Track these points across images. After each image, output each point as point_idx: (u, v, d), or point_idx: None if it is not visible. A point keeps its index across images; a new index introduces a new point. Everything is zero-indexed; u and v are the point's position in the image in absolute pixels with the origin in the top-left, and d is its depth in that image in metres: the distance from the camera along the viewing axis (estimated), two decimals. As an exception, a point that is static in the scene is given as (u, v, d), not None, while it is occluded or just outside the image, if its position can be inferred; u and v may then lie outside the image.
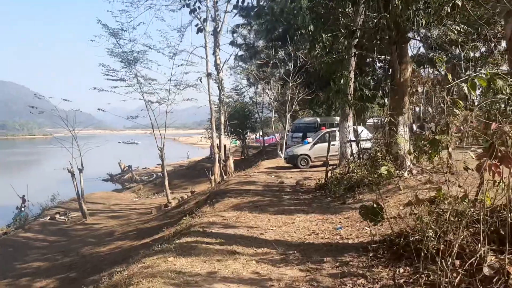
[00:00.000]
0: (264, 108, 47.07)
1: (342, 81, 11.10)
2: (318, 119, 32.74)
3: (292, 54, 26.41)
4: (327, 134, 20.00)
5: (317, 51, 10.73)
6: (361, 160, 11.54)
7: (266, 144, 48.30)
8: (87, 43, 21.33)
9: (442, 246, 4.52)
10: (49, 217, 19.79)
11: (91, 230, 17.07)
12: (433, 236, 4.69)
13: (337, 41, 10.86)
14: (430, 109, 12.13)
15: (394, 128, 11.16)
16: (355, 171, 11.00)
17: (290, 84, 26.52)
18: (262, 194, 11.80)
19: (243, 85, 46.23)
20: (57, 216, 19.81)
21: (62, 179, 24.89)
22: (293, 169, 19.06)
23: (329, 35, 10.18)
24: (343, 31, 10.42)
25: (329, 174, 12.90)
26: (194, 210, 12.18)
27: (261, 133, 52.62)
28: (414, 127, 15.81)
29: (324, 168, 18.46)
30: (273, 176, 16.58)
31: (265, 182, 14.95)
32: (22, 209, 23.96)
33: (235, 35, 41.32)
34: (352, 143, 17.22)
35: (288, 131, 32.24)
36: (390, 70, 11.40)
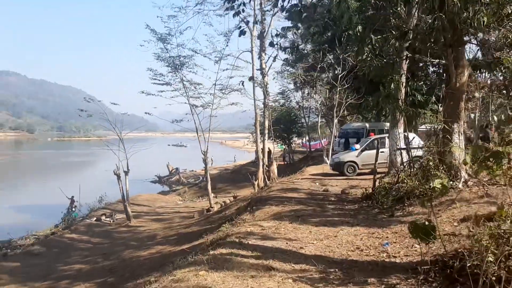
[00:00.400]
0: (311, 112, 46.46)
1: (392, 86, 10.41)
2: (367, 125, 31.69)
3: (341, 58, 25.71)
4: (376, 141, 19.23)
5: (366, 53, 10.10)
6: (412, 170, 10.80)
7: (312, 149, 47.55)
8: (136, 48, 21.82)
9: (504, 272, 3.97)
10: (95, 218, 20.15)
11: (134, 233, 17.17)
12: (493, 260, 4.11)
13: (387, 43, 10.19)
14: (495, 118, 11.15)
15: (448, 136, 10.38)
16: (405, 181, 10.30)
17: (338, 89, 25.81)
18: (305, 203, 11.32)
19: (289, 89, 45.78)
20: (103, 217, 20.15)
21: (111, 180, 25.42)
22: (339, 177, 18.41)
23: (378, 37, 9.54)
24: (394, 32, 9.77)
25: (377, 183, 12.21)
26: (234, 217, 11.87)
27: (307, 138, 51.86)
28: (472, 134, 14.77)
29: (372, 177, 17.76)
30: (317, 184, 16.04)
31: (308, 189, 14.45)
32: (73, 209, 24.58)
33: (277, 38, 40.94)
34: (402, 151, 16.40)
35: (335, 137, 31.41)
36: (445, 74, 10.62)
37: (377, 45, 9.90)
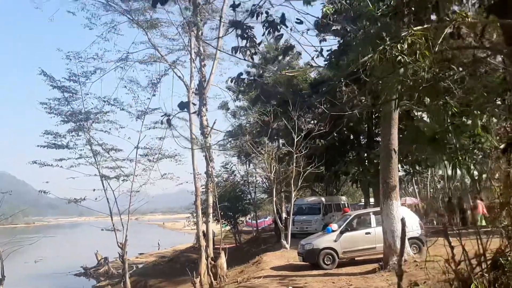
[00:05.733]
0: (257, 187, 42.42)
1: (476, 121, 5.53)
2: (323, 199, 27.90)
3: (296, 121, 21.76)
4: (356, 219, 14.57)
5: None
6: (487, 271, 5.90)
7: (258, 228, 43.12)
8: (37, 109, 15.91)
9: None
10: None
11: None
12: None
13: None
14: None
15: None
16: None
17: (295, 156, 21.33)
18: None
19: (233, 163, 41.50)
20: None
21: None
22: (314, 271, 13.21)
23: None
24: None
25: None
26: None
27: (250, 216, 47.72)
28: None
29: (364, 268, 12.89)
30: (291, 288, 10.73)
31: (283, 303, 9.15)
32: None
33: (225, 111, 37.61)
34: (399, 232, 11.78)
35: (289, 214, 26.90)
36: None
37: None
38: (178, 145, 14.93)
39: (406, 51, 5.45)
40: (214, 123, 16.70)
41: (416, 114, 21.89)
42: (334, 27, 10.78)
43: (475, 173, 5.94)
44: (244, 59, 7.74)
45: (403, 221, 7.30)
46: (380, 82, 6.70)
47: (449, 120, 5.58)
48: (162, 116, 8.32)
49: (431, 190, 49.68)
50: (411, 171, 25.94)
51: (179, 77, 18.24)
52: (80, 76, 15.14)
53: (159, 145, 16.89)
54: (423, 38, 5.47)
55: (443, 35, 5.57)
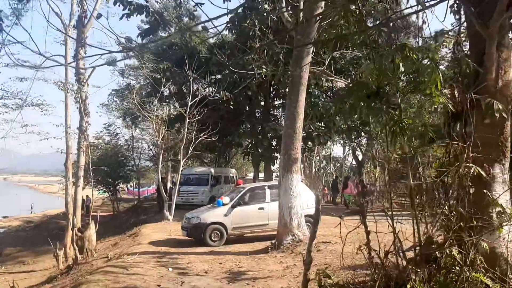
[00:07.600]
0: (142, 154, 39.93)
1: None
2: (212, 170, 26.53)
3: (192, 83, 19.81)
4: (250, 192, 13.23)
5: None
6: (430, 267, 4.79)
7: (140, 197, 40.71)
8: None
9: None
10: None
11: None
12: None
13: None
14: None
15: (486, 191, 4.84)
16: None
17: (187, 121, 19.40)
18: None
19: (117, 125, 38.32)
20: None
21: None
22: (199, 247, 11.65)
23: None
24: None
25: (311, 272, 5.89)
26: None
27: (132, 184, 45.39)
28: None
29: (254, 246, 11.65)
30: (170, 269, 8.96)
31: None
32: None
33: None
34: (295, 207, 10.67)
35: (174, 185, 25.14)
36: (467, 63, 5.13)
37: None
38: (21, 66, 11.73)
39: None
40: (93, 70, 13.93)
41: (313, 88, 21.23)
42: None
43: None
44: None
45: (318, 197, 6.00)
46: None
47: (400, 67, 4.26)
48: None
49: (315, 169, 51.14)
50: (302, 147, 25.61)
51: (56, 13, 15.19)
52: None
53: (24, 89, 13.86)
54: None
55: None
